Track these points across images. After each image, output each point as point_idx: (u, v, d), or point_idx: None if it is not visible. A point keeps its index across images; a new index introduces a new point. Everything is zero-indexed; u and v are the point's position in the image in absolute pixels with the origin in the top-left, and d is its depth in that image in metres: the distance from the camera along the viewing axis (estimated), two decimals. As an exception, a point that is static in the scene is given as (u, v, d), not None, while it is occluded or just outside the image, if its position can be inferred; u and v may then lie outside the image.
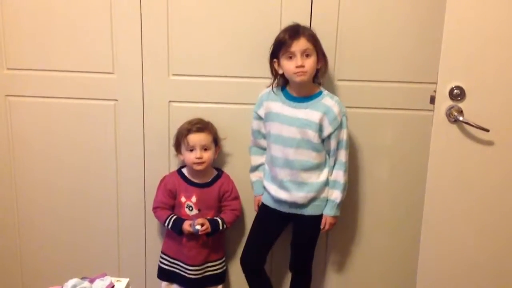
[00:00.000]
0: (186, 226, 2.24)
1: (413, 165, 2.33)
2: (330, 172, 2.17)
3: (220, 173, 2.35)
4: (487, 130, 1.90)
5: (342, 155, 2.15)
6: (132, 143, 2.39)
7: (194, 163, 2.24)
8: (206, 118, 2.31)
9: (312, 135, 2.10)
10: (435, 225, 2.05)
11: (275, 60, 2.12)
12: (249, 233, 2.33)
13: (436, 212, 2.03)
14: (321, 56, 2.10)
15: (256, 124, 2.24)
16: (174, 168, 2.38)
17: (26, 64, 2.34)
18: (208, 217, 2.28)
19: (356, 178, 2.36)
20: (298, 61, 2.04)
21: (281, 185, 2.17)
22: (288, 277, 2.39)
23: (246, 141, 2.29)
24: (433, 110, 1.97)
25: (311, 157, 2.13)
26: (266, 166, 2.24)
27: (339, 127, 2.12)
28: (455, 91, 1.92)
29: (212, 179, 2.31)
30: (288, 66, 2.06)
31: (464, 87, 1.91)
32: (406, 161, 2.35)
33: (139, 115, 2.36)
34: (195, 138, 2.23)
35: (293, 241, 2.29)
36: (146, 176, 2.42)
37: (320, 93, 2.14)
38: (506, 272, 2.06)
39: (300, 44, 2.04)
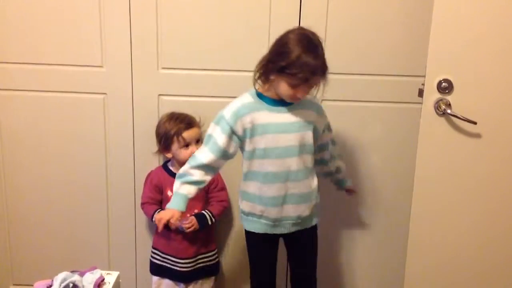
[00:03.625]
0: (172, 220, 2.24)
1: (401, 157, 2.34)
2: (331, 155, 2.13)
3: None
4: (475, 123, 1.92)
5: (331, 135, 2.12)
6: (122, 136, 2.39)
7: None
8: (196, 111, 2.31)
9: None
10: (424, 217, 2.06)
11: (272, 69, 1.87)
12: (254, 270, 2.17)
13: (424, 204, 2.05)
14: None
15: (224, 141, 1.93)
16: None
17: (14, 58, 2.32)
18: (196, 211, 2.29)
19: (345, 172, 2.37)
20: (300, 94, 1.87)
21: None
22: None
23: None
24: (421, 103, 1.98)
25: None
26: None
27: (325, 116, 2.06)
28: (443, 84, 1.93)
29: None
30: (287, 91, 1.86)
31: (452, 80, 1.93)
32: (395, 154, 2.36)
33: (129, 109, 2.35)
34: (191, 134, 2.25)
35: (298, 258, 2.15)
36: (136, 170, 2.42)
37: None
38: (493, 264, 2.09)
39: (314, 81, 1.86)
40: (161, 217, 1.93)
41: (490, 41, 1.90)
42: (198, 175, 1.95)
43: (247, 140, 1.95)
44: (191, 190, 1.95)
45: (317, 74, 1.84)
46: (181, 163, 2.28)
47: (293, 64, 1.81)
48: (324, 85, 1.90)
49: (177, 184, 1.97)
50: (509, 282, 2.10)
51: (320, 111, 2.03)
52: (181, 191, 1.95)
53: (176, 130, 2.24)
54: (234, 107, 1.94)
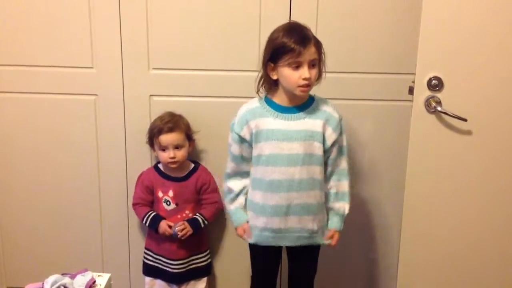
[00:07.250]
0: (163, 225, 2.25)
1: (392, 155, 2.34)
2: (332, 183, 1.99)
3: (197, 165, 2.34)
4: (465, 120, 1.93)
5: (344, 162, 1.99)
6: (113, 138, 2.38)
7: (168, 162, 2.24)
8: (188, 112, 2.30)
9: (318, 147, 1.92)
10: (416, 214, 2.07)
11: (270, 63, 1.87)
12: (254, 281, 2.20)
13: (416, 201, 2.06)
14: (321, 64, 1.90)
15: (237, 149, 1.99)
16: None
17: (4, 60, 2.32)
18: (187, 211, 2.29)
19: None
20: (306, 73, 1.80)
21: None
22: None
23: (227, 134, 2.27)
24: (411, 101, 1.99)
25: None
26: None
27: (341, 133, 1.96)
28: (433, 81, 1.94)
29: (188, 172, 2.32)
30: (292, 76, 1.82)
31: (442, 77, 1.93)
32: (386, 151, 2.36)
33: (120, 110, 2.35)
34: (167, 138, 2.22)
35: (299, 271, 2.15)
36: (128, 171, 2.41)
37: (312, 98, 1.97)
38: (484, 259, 2.10)
39: (310, 53, 1.81)
40: (239, 234, 2.06)
41: (479, 38, 1.91)
42: (234, 186, 2.04)
43: (253, 145, 1.95)
44: (240, 200, 2.04)
45: (306, 42, 1.81)
46: (163, 164, 2.30)
47: (280, 42, 1.83)
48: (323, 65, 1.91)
49: (227, 205, 2.07)
50: (500, 277, 2.11)
51: (331, 123, 1.93)
52: (233, 207, 2.05)
53: (156, 131, 2.23)
54: (240, 113, 1.97)
